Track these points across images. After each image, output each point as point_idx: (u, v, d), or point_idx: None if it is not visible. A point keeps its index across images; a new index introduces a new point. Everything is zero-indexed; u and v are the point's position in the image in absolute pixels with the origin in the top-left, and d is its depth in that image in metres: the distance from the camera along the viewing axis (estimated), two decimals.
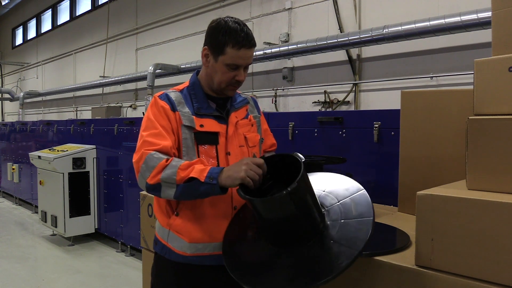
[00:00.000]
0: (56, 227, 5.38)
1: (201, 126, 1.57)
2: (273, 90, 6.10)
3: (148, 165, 1.45)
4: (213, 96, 1.66)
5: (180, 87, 1.68)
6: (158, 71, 7.25)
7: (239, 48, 1.51)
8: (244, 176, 1.36)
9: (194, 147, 1.56)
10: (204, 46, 1.60)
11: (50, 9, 13.59)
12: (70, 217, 5.32)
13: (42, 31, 14.18)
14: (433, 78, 4.49)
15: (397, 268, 1.36)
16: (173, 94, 1.61)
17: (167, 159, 1.45)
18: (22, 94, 12.30)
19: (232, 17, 1.57)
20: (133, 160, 1.51)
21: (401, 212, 2.05)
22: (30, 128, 7.66)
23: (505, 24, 1.33)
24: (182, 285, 1.60)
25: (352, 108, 5.27)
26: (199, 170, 1.42)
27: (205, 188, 1.40)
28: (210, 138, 1.58)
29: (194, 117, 1.58)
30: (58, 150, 5.57)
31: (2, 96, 14.84)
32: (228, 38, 1.51)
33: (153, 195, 1.60)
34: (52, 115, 12.95)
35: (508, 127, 1.22)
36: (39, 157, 5.61)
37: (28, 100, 13.28)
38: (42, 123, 7.30)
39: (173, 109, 1.57)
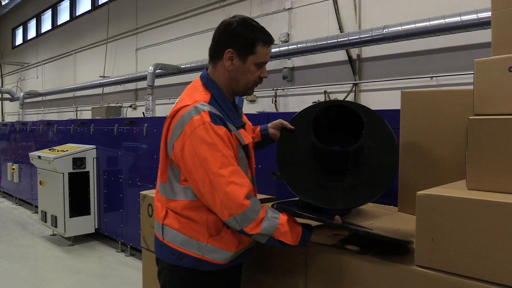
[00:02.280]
0: (56, 227, 5.38)
1: (243, 140, 1.57)
2: (273, 90, 6.10)
3: (247, 216, 1.43)
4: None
5: (206, 99, 1.53)
6: (158, 71, 7.25)
7: (268, 45, 1.55)
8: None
9: (246, 163, 1.57)
10: (227, 49, 1.52)
11: (50, 9, 13.60)
12: (70, 217, 5.32)
13: (42, 31, 14.19)
14: (433, 78, 4.49)
15: (397, 268, 1.36)
16: (213, 111, 1.49)
17: (265, 210, 1.47)
18: (22, 94, 12.30)
19: (241, 15, 1.56)
20: (224, 202, 1.43)
21: (401, 212, 2.05)
22: (30, 128, 7.66)
23: (505, 24, 1.33)
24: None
25: None
26: (296, 235, 1.47)
27: (293, 246, 1.49)
28: (249, 149, 1.59)
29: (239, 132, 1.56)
30: (58, 150, 5.57)
31: (2, 96, 14.85)
32: (257, 36, 1.51)
33: (153, 196, 1.59)
34: (52, 115, 12.95)
35: (508, 127, 1.22)
36: (39, 157, 5.61)
37: (28, 100, 13.28)
38: (42, 123, 7.30)
39: (229, 129, 1.50)
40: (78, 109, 11.60)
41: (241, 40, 1.50)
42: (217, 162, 1.42)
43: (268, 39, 1.54)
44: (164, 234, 1.59)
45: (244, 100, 1.97)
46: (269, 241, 1.47)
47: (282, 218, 1.47)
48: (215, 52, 1.57)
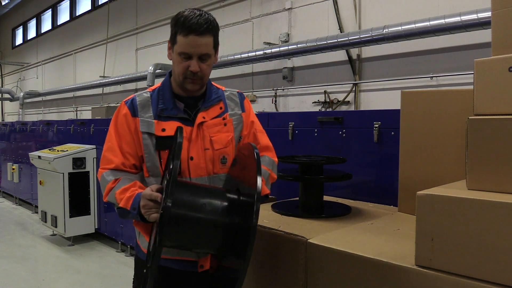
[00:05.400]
0: (56, 227, 5.38)
1: (163, 130, 1.53)
2: (273, 90, 6.11)
3: (102, 184, 1.55)
4: (183, 95, 1.59)
5: (155, 86, 1.65)
6: (158, 71, 7.25)
7: (186, 34, 1.46)
8: (148, 216, 1.37)
9: (155, 153, 1.53)
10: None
11: (50, 9, 13.60)
12: (70, 217, 5.31)
13: (42, 31, 14.19)
14: (433, 78, 4.50)
15: (397, 268, 1.36)
16: (140, 98, 1.59)
17: (115, 180, 1.50)
18: (22, 94, 12.31)
19: (195, 8, 1.53)
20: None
21: (401, 212, 2.05)
22: (30, 128, 7.66)
23: (505, 24, 1.33)
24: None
25: (352, 108, 5.27)
26: (127, 198, 1.44)
27: (131, 215, 1.44)
28: (172, 143, 1.51)
29: (155, 121, 1.54)
30: (58, 150, 5.57)
31: (2, 96, 14.85)
32: (178, 25, 1.49)
33: None
34: (52, 115, 12.95)
35: (508, 127, 1.22)
36: (39, 157, 5.61)
37: (28, 100, 13.28)
38: (42, 123, 7.30)
39: (134, 114, 1.55)
40: (78, 109, 11.60)
41: (171, 31, 1.55)
42: (107, 136, 1.60)
43: (185, 29, 1.45)
44: None
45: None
46: (120, 212, 1.47)
47: (125, 187, 1.46)
48: None
